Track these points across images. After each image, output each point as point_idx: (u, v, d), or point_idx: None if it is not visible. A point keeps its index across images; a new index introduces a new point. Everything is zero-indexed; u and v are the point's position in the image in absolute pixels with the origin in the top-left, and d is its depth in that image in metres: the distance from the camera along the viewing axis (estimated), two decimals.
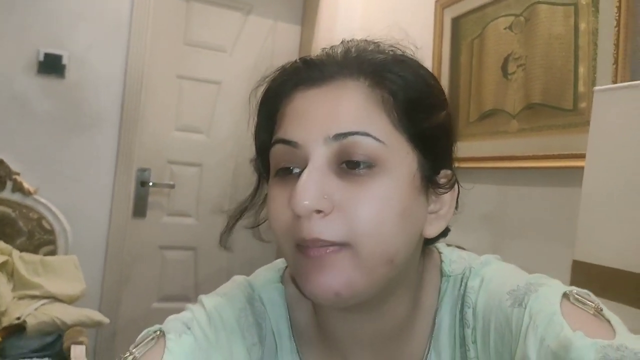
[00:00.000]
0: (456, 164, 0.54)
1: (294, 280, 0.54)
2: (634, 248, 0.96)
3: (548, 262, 1.37)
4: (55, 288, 1.85)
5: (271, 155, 0.50)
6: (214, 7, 2.55)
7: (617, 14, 1.23)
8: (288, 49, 2.71)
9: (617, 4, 1.22)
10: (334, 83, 0.48)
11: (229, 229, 0.57)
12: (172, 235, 2.54)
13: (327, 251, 0.44)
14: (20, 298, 1.80)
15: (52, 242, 2.05)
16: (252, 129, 0.54)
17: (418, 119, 0.48)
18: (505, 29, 1.59)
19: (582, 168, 1.08)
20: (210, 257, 2.60)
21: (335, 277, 0.44)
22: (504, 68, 1.59)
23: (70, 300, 1.88)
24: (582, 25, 1.34)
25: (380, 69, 0.48)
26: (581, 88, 1.34)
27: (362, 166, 0.45)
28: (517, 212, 1.52)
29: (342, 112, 0.46)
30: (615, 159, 1.03)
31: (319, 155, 0.46)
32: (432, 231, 0.51)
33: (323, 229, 0.44)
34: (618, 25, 1.22)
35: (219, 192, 2.59)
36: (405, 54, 0.52)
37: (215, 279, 2.65)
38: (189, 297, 2.54)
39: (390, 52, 0.51)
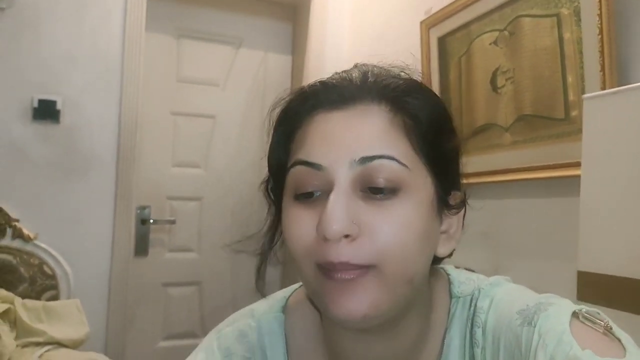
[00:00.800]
0: (463, 183, 0.55)
1: (312, 301, 0.54)
2: (638, 254, 0.94)
3: (552, 274, 1.34)
4: (59, 333, 1.83)
5: (290, 176, 0.50)
6: (204, 43, 2.59)
7: (599, 22, 1.24)
8: (280, 79, 2.74)
9: (598, 12, 1.24)
10: (357, 107, 0.49)
11: (261, 272, 0.56)
12: (175, 271, 2.52)
13: (354, 275, 0.45)
14: (24, 346, 1.78)
15: (54, 286, 2.03)
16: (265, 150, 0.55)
17: (437, 144, 0.49)
18: (490, 44, 1.61)
19: (579, 176, 1.08)
20: (215, 291, 2.57)
21: (362, 301, 0.45)
22: (493, 82, 1.60)
23: (75, 345, 1.86)
24: (567, 35, 1.36)
25: (402, 94, 0.49)
26: (571, 97, 1.35)
27: (385, 192, 0.46)
28: (516, 225, 1.50)
29: (368, 135, 0.47)
30: (610, 164, 1.02)
31: (344, 179, 0.46)
32: (444, 251, 0.52)
33: (351, 252, 0.45)
34: (601, 32, 1.23)
35: (220, 224, 2.58)
36: (412, 77, 0.53)
37: (221, 312, 2.60)
38: (195, 333, 2.50)
39: (405, 77, 0.52)
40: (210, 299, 2.57)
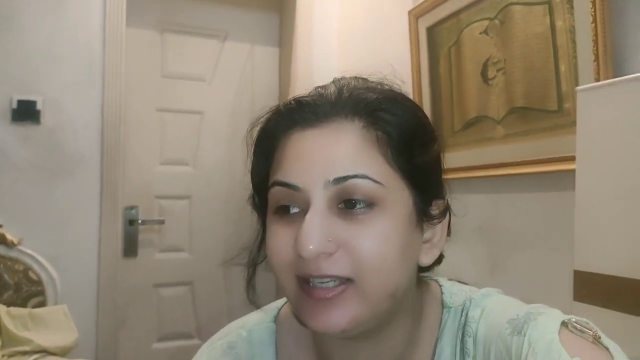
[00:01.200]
0: (446, 186, 0.55)
1: (295, 313, 0.56)
2: (636, 253, 0.91)
3: (549, 269, 1.31)
4: (46, 341, 1.79)
5: (270, 195, 0.51)
6: (189, 37, 2.53)
7: (593, 9, 1.18)
8: (268, 71, 2.68)
9: None
10: (330, 125, 0.49)
11: (250, 283, 0.58)
12: (166, 271, 2.48)
13: (333, 293, 0.46)
14: (11, 356, 1.74)
15: (41, 293, 1.99)
16: (248, 166, 0.56)
17: (412, 156, 0.50)
18: (480, 33, 1.56)
19: (573, 171, 1.04)
20: (208, 291, 2.53)
21: (341, 315, 0.46)
22: (484, 73, 1.55)
23: (63, 352, 1.82)
24: (559, 24, 1.30)
25: (374, 109, 0.49)
26: (564, 87, 1.30)
27: (361, 205, 0.47)
28: (511, 221, 1.47)
29: (341, 155, 0.48)
30: (606, 159, 0.98)
31: (320, 198, 0.47)
32: (427, 260, 0.53)
33: (329, 266, 0.46)
34: (595, 21, 1.18)
35: (210, 223, 2.54)
36: (392, 88, 0.53)
37: (214, 312, 2.59)
38: (190, 334, 2.45)
39: (381, 90, 0.53)
40: (203, 298, 2.53)
